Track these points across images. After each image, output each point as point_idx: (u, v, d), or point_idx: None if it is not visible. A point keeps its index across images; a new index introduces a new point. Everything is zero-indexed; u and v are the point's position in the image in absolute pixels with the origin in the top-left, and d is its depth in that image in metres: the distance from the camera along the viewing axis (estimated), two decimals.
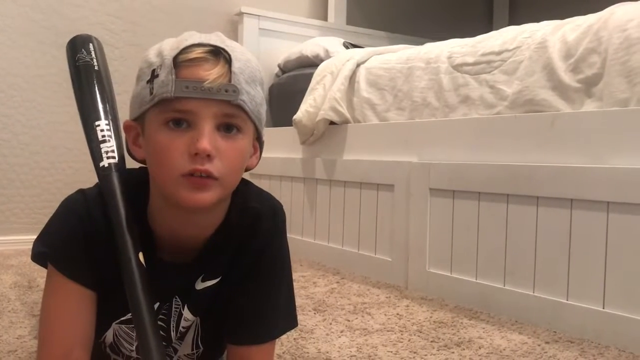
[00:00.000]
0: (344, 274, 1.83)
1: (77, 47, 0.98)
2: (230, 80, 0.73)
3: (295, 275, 1.77)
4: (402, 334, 1.24)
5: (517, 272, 1.39)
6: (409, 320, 1.34)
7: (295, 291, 1.37)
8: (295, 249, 2.19)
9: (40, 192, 2.22)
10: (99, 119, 0.93)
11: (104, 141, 0.90)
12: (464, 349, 1.15)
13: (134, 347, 0.88)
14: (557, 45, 1.40)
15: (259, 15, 2.59)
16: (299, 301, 1.47)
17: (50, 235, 0.84)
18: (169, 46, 0.76)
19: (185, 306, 0.88)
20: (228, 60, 0.74)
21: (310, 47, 2.43)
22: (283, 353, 1.10)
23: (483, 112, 1.56)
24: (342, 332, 1.24)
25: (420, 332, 1.25)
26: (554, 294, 1.30)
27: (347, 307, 1.45)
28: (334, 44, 2.40)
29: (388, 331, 1.26)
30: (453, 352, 1.13)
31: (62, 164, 2.24)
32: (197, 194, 0.74)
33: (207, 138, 0.73)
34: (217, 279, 0.88)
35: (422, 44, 2.06)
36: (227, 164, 0.75)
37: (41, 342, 0.82)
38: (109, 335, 0.88)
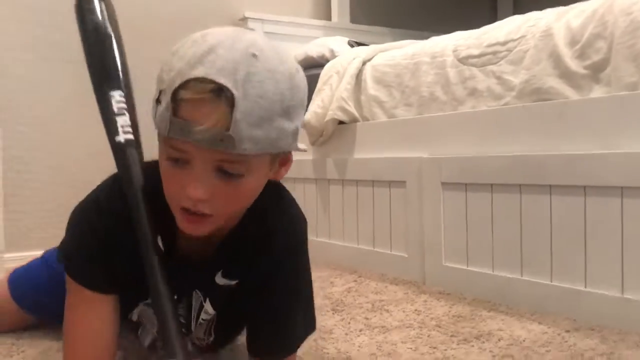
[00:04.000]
0: (361, 272, 1.83)
1: (84, 7, 0.93)
2: (229, 128, 0.65)
3: (312, 277, 1.78)
4: (421, 330, 1.24)
5: (533, 262, 1.38)
6: (427, 316, 1.34)
7: (314, 292, 1.38)
8: (310, 249, 2.19)
9: (56, 207, 2.24)
10: (113, 88, 0.89)
11: (121, 114, 0.87)
12: (483, 342, 1.15)
13: (155, 330, 0.92)
14: (562, 32, 1.39)
15: (262, 19, 2.60)
16: (317, 302, 1.47)
17: (65, 247, 0.87)
18: (179, 66, 0.68)
19: (207, 299, 0.90)
20: (231, 103, 0.65)
21: (315, 48, 2.43)
22: (303, 354, 1.11)
23: (491, 104, 1.55)
24: (361, 330, 1.25)
25: (439, 327, 1.25)
26: (572, 282, 1.30)
27: (365, 305, 1.45)
28: (338, 43, 2.40)
29: (407, 327, 1.26)
30: (473, 346, 1.13)
31: (77, 176, 2.26)
32: (192, 226, 0.75)
33: (200, 184, 0.69)
34: (235, 282, 0.89)
35: (427, 38, 2.06)
36: (225, 204, 0.73)
37: (65, 356, 0.83)
38: (135, 315, 0.92)
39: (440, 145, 1.66)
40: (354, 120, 1.99)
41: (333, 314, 1.38)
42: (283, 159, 0.79)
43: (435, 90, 1.73)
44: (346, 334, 1.22)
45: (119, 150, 0.84)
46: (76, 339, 0.84)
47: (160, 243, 0.79)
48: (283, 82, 0.69)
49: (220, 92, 0.65)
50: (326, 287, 1.66)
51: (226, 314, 0.92)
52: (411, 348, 1.13)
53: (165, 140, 0.71)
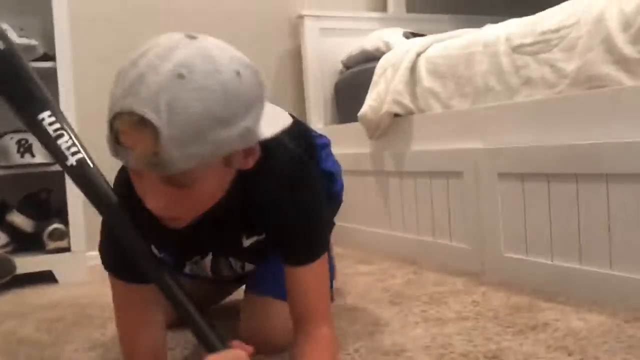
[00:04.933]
0: (421, 264, 1.86)
1: None
2: (156, 151, 0.69)
3: (372, 268, 1.84)
4: (477, 322, 1.26)
5: (592, 252, 1.37)
6: (484, 307, 1.36)
7: (373, 284, 1.47)
8: (371, 241, 2.25)
9: None
10: (40, 110, 0.89)
11: (59, 136, 0.88)
12: (539, 333, 1.16)
13: (208, 275, 1.12)
14: (615, 17, 1.36)
15: (319, 16, 2.64)
16: (375, 294, 1.52)
17: (100, 245, 1.00)
18: (115, 96, 0.71)
19: (230, 259, 1.08)
20: (156, 129, 0.68)
21: (370, 42, 2.46)
22: (360, 347, 1.16)
23: (545, 92, 1.54)
24: (417, 323, 1.28)
25: (496, 318, 1.27)
26: (633, 272, 1.28)
27: (423, 297, 1.48)
28: (394, 35, 2.41)
29: (463, 319, 1.28)
30: (528, 337, 1.15)
31: None
32: (170, 223, 0.81)
33: (152, 196, 0.75)
34: (262, 236, 1.01)
35: (486, 22, 2.05)
36: (186, 209, 0.78)
37: (119, 337, 0.98)
38: (187, 269, 1.09)
39: (496, 135, 1.66)
40: (410, 113, 2.01)
41: (391, 306, 1.42)
42: (246, 152, 0.80)
43: (490, 80, 1.72)
44: (402, 327, 1.26)
45: (76, 175, 0.87)
46: (121, 324, 0.98)
47: (154, 250, 0.87)
48: (213, 98, 0.70)
49: (145, 123, 0.68)
50: (386, 279, 1.70)
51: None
52: (466, 339, 1.16)
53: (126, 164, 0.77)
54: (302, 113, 2.68)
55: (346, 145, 2.36)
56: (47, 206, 2.08)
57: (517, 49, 1.63)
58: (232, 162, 0.79)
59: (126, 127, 0.70)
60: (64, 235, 1.96)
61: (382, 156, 2.13)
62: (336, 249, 2.15)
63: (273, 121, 0.81)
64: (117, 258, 0.93)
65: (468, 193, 1.73)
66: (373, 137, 2.16)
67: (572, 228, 1.41)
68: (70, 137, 0.88)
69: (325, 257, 0.99)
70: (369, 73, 2.23)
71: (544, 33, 1.56)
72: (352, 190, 2.32)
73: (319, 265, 0.96)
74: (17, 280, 1.88)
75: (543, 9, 1.69)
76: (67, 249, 1.97)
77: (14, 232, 1.99)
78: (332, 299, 1.29)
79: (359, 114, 2.13)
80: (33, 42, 1.96)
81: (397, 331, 1.23)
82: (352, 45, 2.60)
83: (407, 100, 1.99)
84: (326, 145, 1.43)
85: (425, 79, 1.97)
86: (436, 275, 1.70)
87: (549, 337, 1.14)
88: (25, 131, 2.01)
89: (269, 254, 1.10)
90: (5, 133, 2.01)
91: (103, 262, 0.98)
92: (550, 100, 1.50)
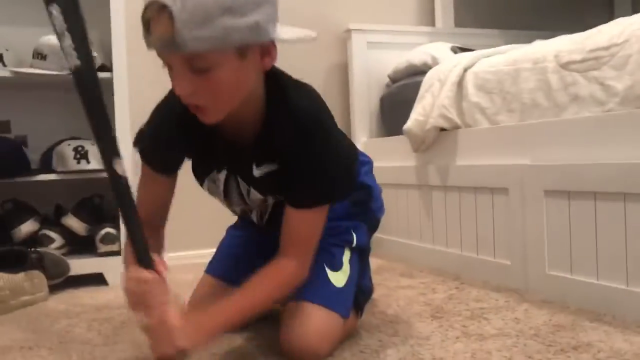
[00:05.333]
0: (463, 279, 1.85)
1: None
2: (173, 34, 0.83)
3: (414, 282, 1.84)
4: (518, 339, 1.25)
5: None
6: (526, 325, 1.35)
7: (414, 298, 1.49)
8: (413, 254, 2.25)
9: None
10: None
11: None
12: (581, 353, 1.15)
13: (222, 198, 1.22)
14: None
15: (366, 30, 2.67)
16: (417, 308, 1.53)
17: (139, 133, 1.17)
18: None
19: (251, 187, 1.14)
20: (171, 16, 0.82)
21: (417, 56, 2.47)
22: (399, 359, 1.17)
23: (594, 110, 1.52)
24: (457, 338, 1.28)
25: (537, 336, 1.26)
26: None
27: (464, 312, 1.48)
28: (441, 50, 2.42)
29: (504, 336, 1.28)
30: (569, 357, 1.14)
31: None
32: (200, 116, 0.95)
33: (179, 81, 0.90)
34: (274, 165, 1.09)
35: (535, 38, 2.04)
36: (209, 96, 0.92)
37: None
38: (205, 187, 1.22)
39: (542, 152, 1.65)
40: (456, 127, 2.01)
41: (432, 320, 1.42)
42: (263, 51, 0.95)
43: (537, 96, 1.71)
44: (442, 341, 1.27)
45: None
46: (143, 196, 1.14)
47: (117, 164, 0.96)
48: None
49: (164, 9, 0.83)
50: (428, 293, 1.70)
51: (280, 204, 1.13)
52: (506, 356, 1.15)
53: (157, 53, 0.91)
54: (347, 125, 2.71)
55: (390, 159, 2.38)
56: (100, 211, 2.16)
57: (566, 66, 1.62)
58: (246, 55, 0.91)
59: (151, 14, 0.86)
60: (115, 239, 2.04)
61: (427, 170, 2.13)
62: (378, 261, 2.17)
63: (295, 30, 0.98)
64: (151, 147, 1.14)
65: (513, 209, 1.72)
66: (418, 151, 2.17)
67: (619, 248, 1.39)
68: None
69: (325, 210, 1.08)
70: (415, 87, 2.24)
71: (593, 50, 1.55)
72: (396, 203, 2.34)
73: (316, 214, 1.07)
74: (70, 280, 1.96)
75: (589, 24, 1.68)
76: (117, 253, 2.04)
77: (68, 235, 2.08)
78: (360, 314, 1.34)
79: (404, 128, 2.14)
80: (93, 53, 2.04)
81: (437, 345, 1.24)
82: (398, 59, 2.62)
83: (453, 115, 2.00)
84: (367, 163, 1.45)
85: (473, 94, 1.97)
86: (478, 291, 1.69)
87: (592, 358, 1.12)
88: (81, 138, 2.11)
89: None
90: (63, 140, 2.10)
91: (136, 144, 1.16)
92: (598, 118, 1.48)
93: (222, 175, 1.18)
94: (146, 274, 0.99)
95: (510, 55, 1.90)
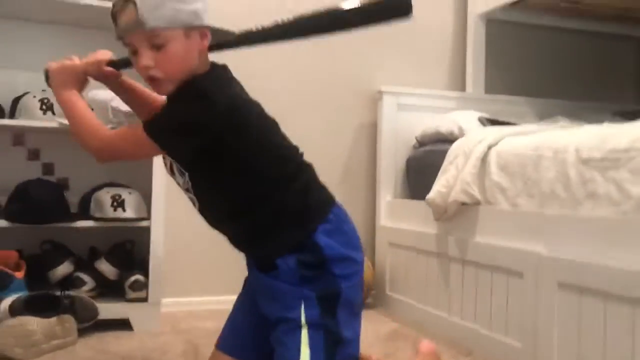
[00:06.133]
0: (475, 355, 1.90)
1: None
2: (136, 16, 1.11)
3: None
4: None
5: None
6: None
7: None
8: (429, 321, 2.29)
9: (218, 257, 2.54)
10: None
11: None
12: None
13: (170, 175, 1.32)
14: None
15: (397, 93, 2.76)
16: None
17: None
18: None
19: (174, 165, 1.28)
20: (135, 5, 1.11)
21: (445, 124, 2.54)
22: None
23: (609, 210, 1.58)
24: None
25: None
26: None
27: None
28: (468, 120, 2.49)
29: None
30: None
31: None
32: (156, 89, 1.22)
33: (143, 57, 1.16)
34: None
35: (562, 107, 2.08)
36: (166, 67, 1.16)
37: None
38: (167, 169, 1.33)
39: (559, 243, 1.69)
40: (477, 203, 2.07)
41: None
42: (201, 34, 1.20)
43: (556, 187, 1.77)
44: None
45: None
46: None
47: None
48: None
49: (127, 1, 1.13)
50: None
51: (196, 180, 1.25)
52: None
53: (124, 44, 1.18)
54: (373, 183, 2.80)
55: (412, 222, 2.44)
56: (130, 256, 2.27)
57: (585, 162, 1.68)
58: (190, 35, 1.17)
59: (118, 7, 1.15)
60: (143, 286, 2.13)
61: (447, 240, 2.19)
62: (393, 325, 2.23)
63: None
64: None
65: (526, 295, 1.77)
66: (439, 220, 2.23)
67: (626, 352, 1.43)
68: None
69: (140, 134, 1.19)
70: (441, 155, 2.31)
71: (613, 151, 1.60)
72: (415, 266, 2.40)
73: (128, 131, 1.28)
74: (98, 324, 2.06)
75: (617, 97, 1.72)
76: (144, 299, 2.14)
77: (100, 278, 2.18)
78: None
79: (427, 198, 2.21)
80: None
81: None
82: (427, 121, 2.69)
83: (475, 192, 2.06)
84: (332, 221, 1.26)
85: (495, 173, 2.03)
86: None
87: None
88: (119, 186, 2.23)
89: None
90: (102, 186, 2.22)
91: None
92: (612, 220, 1.53)
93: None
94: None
95: (533, 140, 1.96)
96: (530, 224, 1.82)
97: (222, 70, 1.27)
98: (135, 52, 1.18)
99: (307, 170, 1.31)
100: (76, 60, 1.30)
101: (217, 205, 1.28)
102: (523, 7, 2.90)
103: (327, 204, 1.29)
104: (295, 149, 1.31)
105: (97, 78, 1.33)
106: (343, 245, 1.25)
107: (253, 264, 1.30)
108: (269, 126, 1.29)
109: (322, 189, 1.32)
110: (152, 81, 1.19)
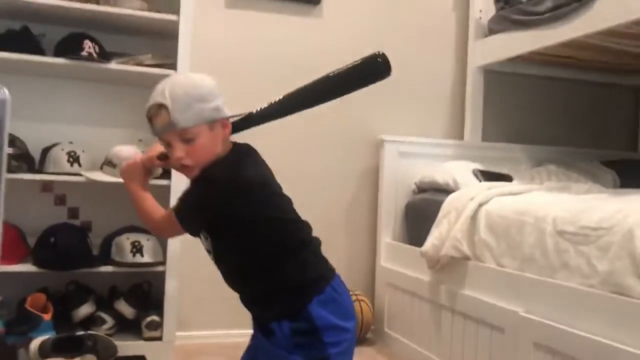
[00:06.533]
0: None
1: None
2: (169, 119, 1.28)
3: None
4: None
5: None
6: None
7: None
8: None
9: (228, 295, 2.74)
10: None
11: None
12: None
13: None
14: None
15: (398, 141, 2.94)
16: None
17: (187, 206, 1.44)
18: (148, 102, 1.33)
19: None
20: (167, 107, 1.28)
21: (441, 175, 2.71)
22: None
23: (579, 281, 1.74)
24: None
25: None
26: None
27: None
28: (463, 173, 2.66)
29: None
30: None
31: None
32: (186, 175, 1.38)
33: (177, 150, 1.32)
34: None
35: (555, 153, 2.23)
36: (195, 157, 1.33)
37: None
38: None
39: (535, 305, 1.86)
40: (467, 258, 2.25)
41: None
42: (223, 124, 1.36)
43: (535, 253, 1.94)
44: None
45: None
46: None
47: None
48: (188, 86, 1.32)
49: (161, 106, 1.30)
50: None
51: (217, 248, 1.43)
52: None
53: (159, 139, 1.36)
54: (374, 225, 2.98)
55: (409, 267, 2.62)
56: (148, 296, 2.47)
57: (561, 234, 1.85)
58: (214, 127, 1.34)
59: (153, 111, 1.32)
60: (158, 326, 2.33)
61: (439, 289, 2.37)
62: None
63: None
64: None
65: (507, 350, 1.94)
66: (432, 269, 2.41)
67: None
68: None
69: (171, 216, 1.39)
70: (436, 205, 2.48)
71: (584, 227, 1.77)
72: (410, 309, 2.58)
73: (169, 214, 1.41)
74: None
75: (609, 144, 1.87)
76: (159, 338, 2.33)
77: (119, 317, 2.38)
78: None
79: (421, 250, 2.39)
80: None
81: None
82: (426, 169, 2.87)
83: (464, 248, 2.24)
84: (324, 292, 1.41)
85: (483, 232, 2.20)
86: None
87: None
88: (138, 231, 2.42)
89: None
90: (123, 231, 2.42)
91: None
92: (581, 292, 1.70)
93: None
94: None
95: (518, 204, 2.13)
96: (511, 285, 1.99)
97: (238, 153, 1.44)
98: (169, 145, 1.35)
99: (309, 246, 1.49)
100: (138, 157, 1.52)
101: (229, 269, 1.47)
102: (520, 59, 3.05)
103: (324, 278, 1.46)
104: (303, 225, 1.49)
105: (152, 167, 1.55)
106: (336, 315, 1.43)
107: (256, 324, 1.49)
108: (282, 204, 1.46)
109: (321, 263, 1.50)
110: (184, 168, 1.36)
